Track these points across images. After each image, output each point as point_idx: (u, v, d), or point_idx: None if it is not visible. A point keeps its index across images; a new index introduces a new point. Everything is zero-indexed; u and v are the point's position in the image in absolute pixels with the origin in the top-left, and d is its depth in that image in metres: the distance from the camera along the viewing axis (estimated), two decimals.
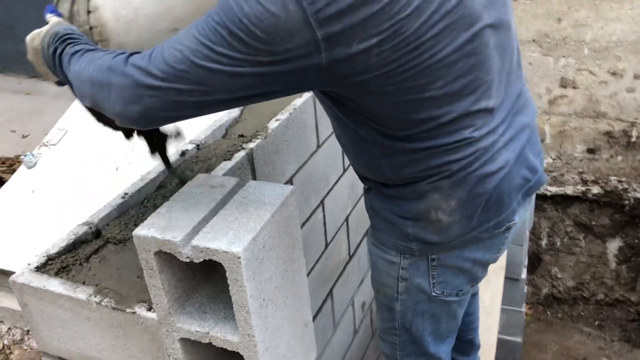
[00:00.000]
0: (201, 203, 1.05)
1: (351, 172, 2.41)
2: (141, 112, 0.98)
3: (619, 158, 3.23)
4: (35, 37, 1.16)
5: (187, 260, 0.98)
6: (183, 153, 1.66)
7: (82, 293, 1.16)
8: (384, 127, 1.13)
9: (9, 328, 2.41)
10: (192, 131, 2.56)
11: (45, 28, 1.15)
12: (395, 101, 1.06)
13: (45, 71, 1.17)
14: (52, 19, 1.17)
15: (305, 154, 1.99)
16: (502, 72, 1.17)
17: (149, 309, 1.11)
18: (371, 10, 0.92)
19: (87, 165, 2.66)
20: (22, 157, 2.78)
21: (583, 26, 2.93)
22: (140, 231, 0.99)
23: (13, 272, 2.34)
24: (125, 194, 1.48)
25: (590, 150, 3.27)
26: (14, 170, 3.64)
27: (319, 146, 2.08)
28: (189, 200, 1.06)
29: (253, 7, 0.89)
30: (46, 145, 2.77)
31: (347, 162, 2.35)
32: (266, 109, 1.89)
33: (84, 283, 1.19)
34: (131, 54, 1.00)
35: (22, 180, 2.69)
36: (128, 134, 1.33)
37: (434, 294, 1.37)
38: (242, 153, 1.63)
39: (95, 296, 1.15)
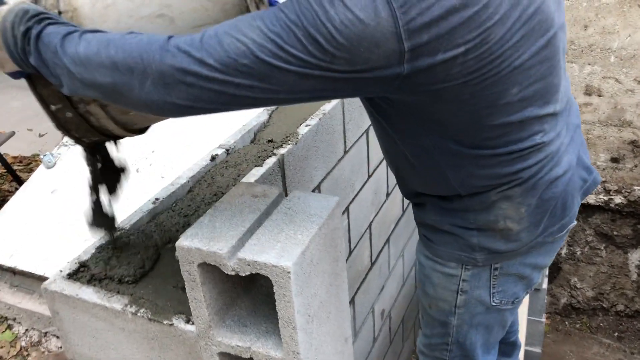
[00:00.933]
0: (244, 213, 1.02)
1: (375, 178, 2.37)
2: (184, 102, 0.88)
3: None
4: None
5: (233, 273, 0.94)
6: (213, 158, 1.63)
7: (117, 303, 1.12)
8: (455, 135, 1.08)
9: (27, 330, 2.39)
10: (219, 135, 2.53)
11: (4, 7, 0.96)
12: (469, 110, 1.02)
13: (2, 57, 0.96)
14: (7, 1, 0.98)
15: (332, 160, 1.96)
16: (562, 77, 1.16)
17: (187, 321, 1.08)
18: (461, 18, 0.88)
19: None
20: (40, 156, 2.76)
21: (610, 33, 2.88)
22: (184, 242, 0.96)
23: (32, 274, 2.31)
24: (156, 199, 1.45)
25: (614, 159, 3.21)
26: (31, 169, 3.62)
27: (345, 152, 2.05)
28: (232, 210, 1.03)
29: (340, 12, 0.82)
30: (66, 145, 2.74)
31: (372, 167, 2.32)
32: (294, 113, 1.85)
33: (118, 292, 1.15)
34: (169, 37, 0.89)
35: (41, 180, 2.67)
36: (88, 146, 1.18)
37: (493, 303, 1.36)
38: (273, 159, 1.59)
39: (130, 306, 1.11)
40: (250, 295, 1.11)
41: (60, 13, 0.99)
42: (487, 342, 1.48)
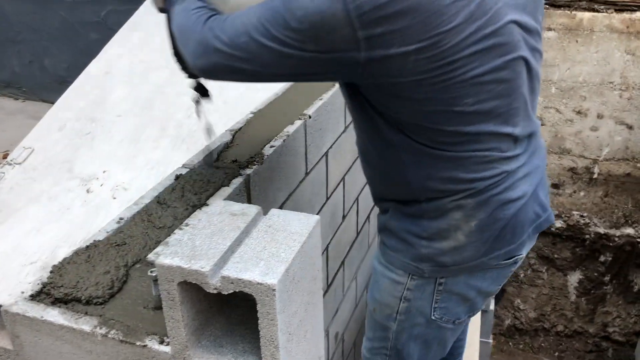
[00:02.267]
0: (224, 231, 1.01)
1: (333, 200, 2.40)
2: (207, 66, 1.15)
3: (582, 194, 3.34)
4: None
5: (215, 291, 0.93)
6: (177, 177, 1.61)
7: (85, 324, 1.08)
8: (415, 134, 1.19)
9: None
10: (174, 156, 2.49)
11: None
12: (424, 110, 1.14)
13: None
14: None
15: (294, 182, 1.97)
16: (527, 107, 1.24)
17: (161, 342, 1.05)
18: (414, 19, 1.00)
19: (57, 186, 2.54)
20: None
21: (551, 66, 3.06)
22: (164, 260, 0.94)
23: None
24: (121, 218, 1.41)
25: (555, 185, 3.38)
26: None
27: (307, 173, 2.07)
28: (211, 228, 1.02)
29: (306, 2, 1.00)
30: (10, 164, 2.62)
31: (330, 189, 2.34)
32: (257, 135, 1.86)
33: (86, 313, 1.11)
34: (210, 16, 1.15)
35: None
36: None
37: (433, 317, 1.41)
38: (239, 179, 1.59)
39: (100, 328, 1.08)
40: (225, 315, 1.10)
41: None
42: (425, 358, 1.51)
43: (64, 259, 1.25)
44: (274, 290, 0.89)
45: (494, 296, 3.01)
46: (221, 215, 1.06)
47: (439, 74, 1.06)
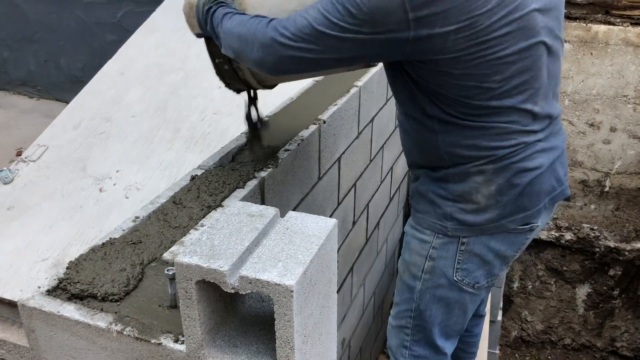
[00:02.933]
0: (242, 232, 1.02)
1: (344, 206, 2.40)
2: (276, 61, 1.30)
3: (592, 207, 3.33)
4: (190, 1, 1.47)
5: (232, 291, 0.94)
6: (193, 177, 1.62)
7: (101, 320, 1.09)
8: (448, 106, 1.37)
9: None
10: (185, 158, 2.51)
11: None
12: (459, 84, 1.32)
13: (193, 23, 1.48)
14: None
15: (307, 186, 1.98)
16: (548, 89, 1.42)
17: (176, 340, 1.06)
18: (453, 3, 1.19)
19: (70, 184, 2.56)
20: None
21: (565, 78, 3.05)
22: (183, 258, 0.95)
23: None
24: (137, 217, 1.42)
25: (566, 198, 3.36)
26: None
27: (319, 178, 2.07)
28: (229, 229, 1.03)
29: None
30: (25, 161, 2.65)
31: (342, 195, 2.35)
32: (273, 138, 1.87)
33: (101, 310, 1.12)
34: (270, 20, 1.31)
35: None
36: (237, 91, 1.67)
37: (455, 279, 1.56)
38: (254, 181, 1.60)
39: (116, 324, 1.08)
40: (239, 316, 1.10)
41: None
42: (446, 326, 1.64)
43: (80, 256, 1.26)
44: (291, 291, 0.89)
45: (501, 306, 3.00)
46: (239, 215, 1.07)
47: (474, 52, 1.25)
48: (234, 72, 1.54)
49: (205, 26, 1.43)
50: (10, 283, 2.24)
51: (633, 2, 2.89)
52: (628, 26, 2.90)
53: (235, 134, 2.36)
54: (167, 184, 2.58)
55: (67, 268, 1.22)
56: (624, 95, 3.03)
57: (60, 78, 4.19)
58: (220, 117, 2.79)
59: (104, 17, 3.88)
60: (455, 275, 1.55)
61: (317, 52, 1.26)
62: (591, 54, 2.98)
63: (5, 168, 2.64)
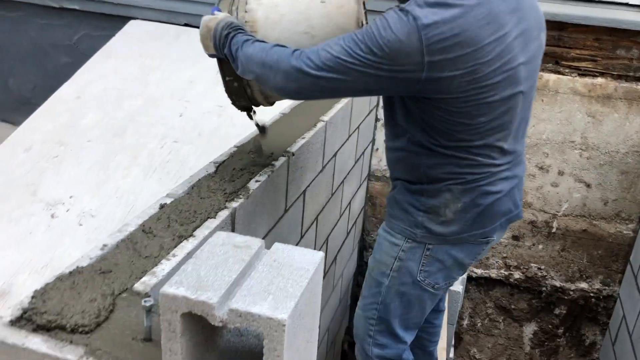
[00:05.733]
0: (229, 263, 0.99)
1: (307, 238, 2.39)
2: (297, 88, 1.47)
3: (540, 247, 3.45)
4: (212, 20, 1.58)
5: (220, 324, 0.91)
6: (162, 206, 1.58)
7: (71, 353, 1.03)
8: (438, 137, 1.58)
9: None
10: (155, 186, 2.44)
11: (219, 16, 1.59)
12: (451, 119, 1.51)
13: (208, 44, 1.60)
14: (219, 14, 1.60)
15: (274, 217, 1.96)
16: (518, 130, 1.64)
17: None
18: (462, 52, 1.38)
19: (19, 209, 2.43)
20: None
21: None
22: (169, 289, 0.91)
23: None
24: (104, 245, 1.36)
25: (515, 237, 3.47)
26: None
27: (285, 211, 2.06)
28: (215, 259, 1.00)
29: (389, 34, 1.36)
30: None
31: (305, 228, 2.34)
32: (239, 167, 1.85)
33: (71, 342, 1.06)
34: (294, 50, 1.46)
35: None
36: (247, 111, 1.80)
37: (418, 279, 1.78)
38: (226, 212, 1.57)
39: (87, 358, 1.03)
40: (219, 350, 1.07)
41: (246, 22, 1.60)
42: (406, 319, 1.86)
43: (47, 285, 1.19)
44: (284, 325, 0.88)
45: (453, 343, 3.05)
46: (224, 246, 1.05)
47: (472, 95, 1.45)
48: (243, 90, 1.69)
49: (221, 49, 1.55)
50: None
51: (580, 55, 3.08)
52: (576, 76, 3.08)
53: (196, 164, 2.32)
54: (124, 211, 2.50)
55: (32, 297, 1.15)
56: (572, 141, 3.18)
57: (7, 99, 4.04)
58: (180, 146, 2.75)
59: (60, 39, 3.79)
60: (419, 276, 1.77)
61: (337, 82, 1.42)
62: (542, 100, 3.13)
63: None
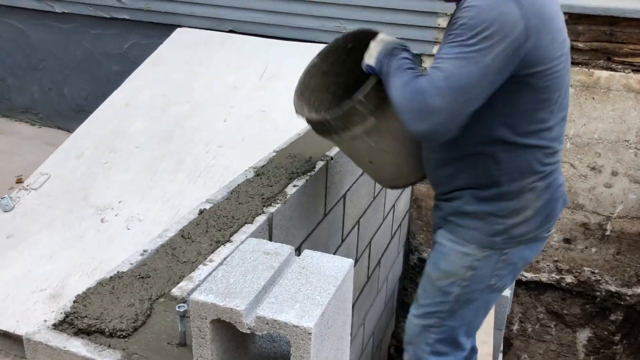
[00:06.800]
0: (258, 270, 1.00)
1: (348, 242, 2.38)
2: (447, 104, 1.40)
3: (593, 250, 3.32)
4: (385, 38, 1.60)
5: (248, 331, 0.92)
6: (201, 212, 1.61)
7: (109, 357, 1.06)
8: (519, 122, 1.51)
9: None
10: (200, 190, 2.49)
11: (386, 36, 1.61)
12: (537, 97, 1.48)
13: (373, 55, 1.57)
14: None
15: (313, 222, 1.97)
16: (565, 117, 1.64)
17: None
18: (546, 17, 1.43)
19: (71, 214, 2.53)
20: None
21: (567, 122, 3.07)
22: (199, 296, 0.93)
23: None
24: (145, 250, 1.40)
25: (567, 240, 3.36)
26: None
27: (325, 215, 2.06)
28: (245, 266, 1.01)
29: (485, 14, 1.36)
30: (26, 189, 2.63)
31: (346, 232, 2.33)
32: (278, 172, 1.86)
33: (109, 346, 1.09)
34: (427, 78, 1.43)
35: None
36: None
37: (491, 282, 1.70)
38: (263, 217, 1.59)
39: None
40: (250, 356, 1.08)
41: None
42: (471, 325, 1.81)
43: (88, 289, 1.23)
44: (310, 333, 0.88)
45: (502, 349, 2.96)
46: (254, 253, 1.05)
47: (555, 64, 1.45)
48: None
49: (380, 65, 1.55)
50: (5, 313, 2.20)
51: (634, 50, 2.95)
52: (630, 72, 2.95)
53: (239, 168, 2.35)
54: (169, 216, 2.56)
55: (74, 302, 1.19)
56: (626, 140, 3.05)
57: (63, 106, 4.21)
58: (224, 151, 2.79)
59: (111, 48, 3.91)
60: (491, 280, 1.70)
61: (472, 89, 1.40)
62: (593, 98, 3.01)
63: (6, 196, 2.62)
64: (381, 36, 1.62)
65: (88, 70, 4.02)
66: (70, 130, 3.62)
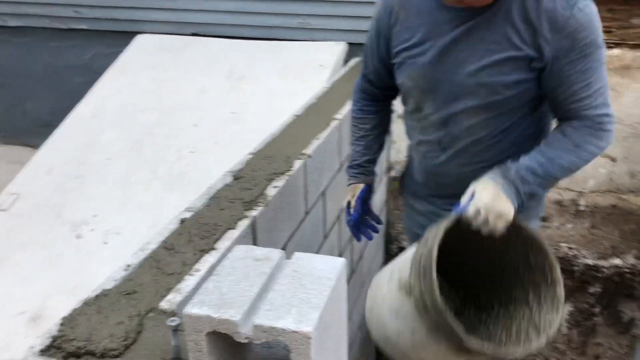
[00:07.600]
0: (250, 277, 0.99)
1: (330, 239, 2.38)
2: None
3: (569, 226, 3.38)
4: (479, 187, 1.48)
5: (246, 341, 0.90)
6: (182, 220, 1.58)
7: None
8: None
9: None
10: (176, 198, 2.45)
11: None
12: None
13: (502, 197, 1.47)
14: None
15: (295, 222, 1.96)
16: None
17: None
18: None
19: (46, 233, 2.47)
20: None
21: None
22: (192, 309, 0.91)
23: None
24: (128, 265, 1.37)
25: (542, 219, 3.40)
26: None
27: (306, 213, 2.05)
28: (236, 275, 1.00)
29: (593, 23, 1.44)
30: (3, 210, 2.55)
31: (327, 228, 2.33)
32: (258, 174, 1.84)
33: None
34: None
35: None
36: None
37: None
38: (246, 221, 1.57)
39: None
40: None
41: None
42: None
43: (74, 310, 1.20)
44: (309, 337, 0.87)
45: None
46: (244, 260, 1.04)
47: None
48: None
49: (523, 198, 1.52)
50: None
51: None
52: None
53: (215, 173, 2.32)
54: (147, 226, 2.51)
55: (61, 324, 1.16)
56: None
57: (27, 123, 4.10)
58: (197, 156, 2.76)
59: (72, 60, 3.82)
60: None
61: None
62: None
63: None
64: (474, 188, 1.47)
65: (50, 84, 3.92)
66: (35, 146, 3.52)
